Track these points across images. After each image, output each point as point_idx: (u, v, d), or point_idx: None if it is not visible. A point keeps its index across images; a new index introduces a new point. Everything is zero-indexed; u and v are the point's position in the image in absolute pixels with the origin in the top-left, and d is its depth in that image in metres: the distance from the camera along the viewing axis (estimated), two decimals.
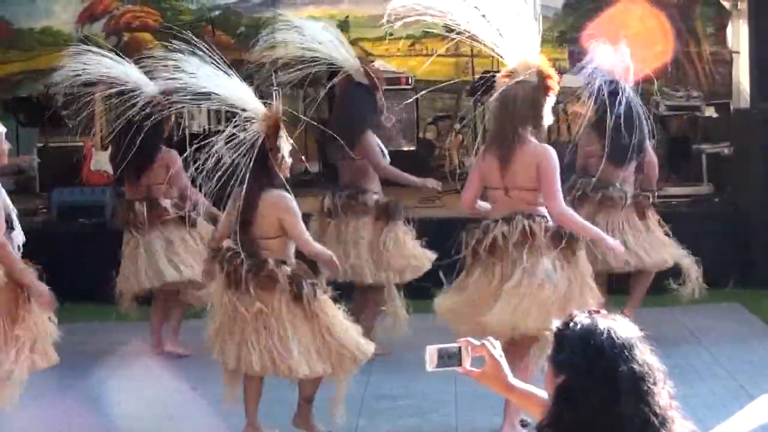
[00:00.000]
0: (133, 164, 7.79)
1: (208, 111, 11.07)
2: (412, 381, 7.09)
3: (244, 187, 5.91)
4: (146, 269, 7.81)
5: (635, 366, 2.68)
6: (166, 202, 7.91)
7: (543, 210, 6.00)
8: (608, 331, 2.72)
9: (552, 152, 5.97)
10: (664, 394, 2.70)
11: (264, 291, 5.89)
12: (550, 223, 5.96)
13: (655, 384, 2.69)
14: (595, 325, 2.74)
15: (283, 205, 5.98)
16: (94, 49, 7.76)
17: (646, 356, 2.71)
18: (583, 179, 7.78)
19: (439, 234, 8.00)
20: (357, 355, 5.94)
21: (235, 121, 6.05)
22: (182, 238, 7.90)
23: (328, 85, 8.16)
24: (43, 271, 5.76)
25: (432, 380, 6.89)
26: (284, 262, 5.96)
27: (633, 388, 2.67)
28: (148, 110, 7.53)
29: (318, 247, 6.15)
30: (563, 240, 5.94)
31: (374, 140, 7.74)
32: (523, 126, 5.95)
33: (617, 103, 7.16)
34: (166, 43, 6.28)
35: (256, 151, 5.87)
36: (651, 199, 7.94)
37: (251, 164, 5.85)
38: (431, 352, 3.13)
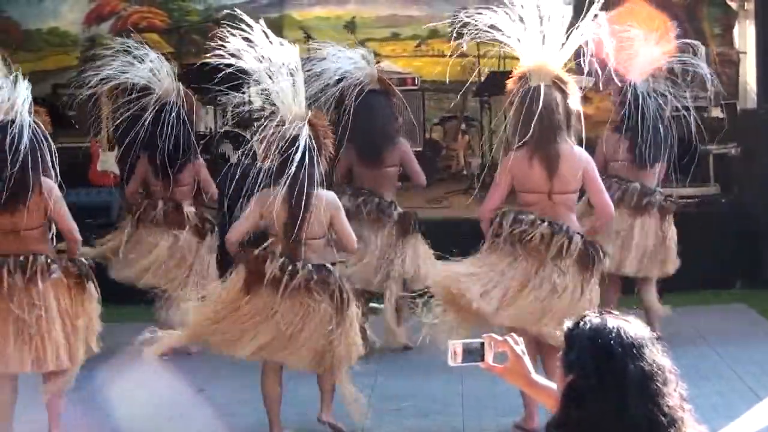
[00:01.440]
0: (165, 164, 7.78)
1: (215, 111, 11.07)
2: (418, 382, 7.09)
3: (293, 187, 5.87)
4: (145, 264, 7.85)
5: (644, 366, 2.67)
6: (190, 209, 7.92)
7: (577, 223, 6.16)
8: (617, 330, 2.71)
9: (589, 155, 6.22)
10: (674, 396, 2.69)
11: (308, 295, 5.93)
12: (580, 242, 6.06)
13: (664, 384, 2.68)
14: (604, 324, 2.73)
15: (336, 202, 6.11)
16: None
17: (656, 356, 2.70)
18: (621, 184, 7.74)
19: (445, 235, 8.02)
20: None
21: (261, 121, 6.08)
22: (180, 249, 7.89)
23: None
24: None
25: (438, 381, 6.90)
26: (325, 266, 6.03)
27: (641, 388, 2.66)
28: (169, 108, 7.63)
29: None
30: (590, 266, 6.08)
31: (409, 147, 7.96)
32: (564, 131, 6.04)
33: (646, 105, 7.21)
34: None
35: (302, 152, 5.85)
36: (674, 206, 7.93)
37: (302, 164, 5.85)
38: (454, 347, 3.10)
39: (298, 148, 5.83)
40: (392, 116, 7.82)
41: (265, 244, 5.99)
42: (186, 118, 7.81)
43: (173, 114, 7.65)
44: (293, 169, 5.82)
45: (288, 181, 5.86)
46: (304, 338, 5.93)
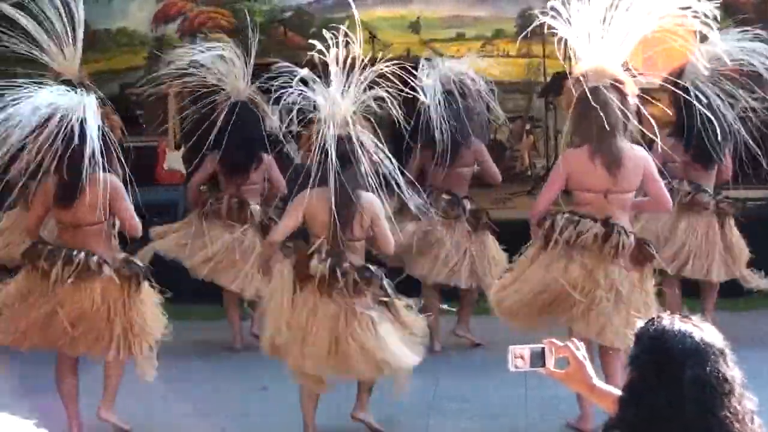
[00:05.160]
0: (238, 162, 7.90)
1: (280, 112, 11.11)
2: (481, 383, 7.07)
3: (335, 187, 5.84)
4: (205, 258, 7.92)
5: (702, 373, 2.63)
6: (255, 207, 7.98)
7: (629, 223, 6.16)
8: (682, 334, 2.68)
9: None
10: (736, 408, 2.65)
11: (355, 296, 5.92)
12: (632, 240, 6.06)
13: (726, 396, 2.64)
14: (671, 326, 2.71)
15: (378, 205, 6.02)
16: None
17: (721, 366, 2.66)
18: (677, 183, 7.62)
19: (510, 235, 7.99)
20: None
21: (303, 121, 6.10)
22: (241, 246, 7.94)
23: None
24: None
25: (501, 382, 6.88)
26: (369, 268, 6.01)
27: (697, 396, 2.62)
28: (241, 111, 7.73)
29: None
30: (644, 262, 6.11)
31: (483, 147, 8.06)
32: (622, 130, 6.01)
33: (705, 105, 7.10)
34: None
35: (343, 153, 5.84)
36: (733, 207, 7.81)
37: (345, 165, 5.85)
38: (515, 352, 3.11)
39: (339, 148, 5.82)
40: (463, 117, 7.80)
41: (315, 245, 5.95)
42: (260, 118, 7.94)
43: (245, 113, 7.77)
44: (335, 169, 5.80)
45: (332, 182, 5.83)
46: (354, 349, 5.89)
